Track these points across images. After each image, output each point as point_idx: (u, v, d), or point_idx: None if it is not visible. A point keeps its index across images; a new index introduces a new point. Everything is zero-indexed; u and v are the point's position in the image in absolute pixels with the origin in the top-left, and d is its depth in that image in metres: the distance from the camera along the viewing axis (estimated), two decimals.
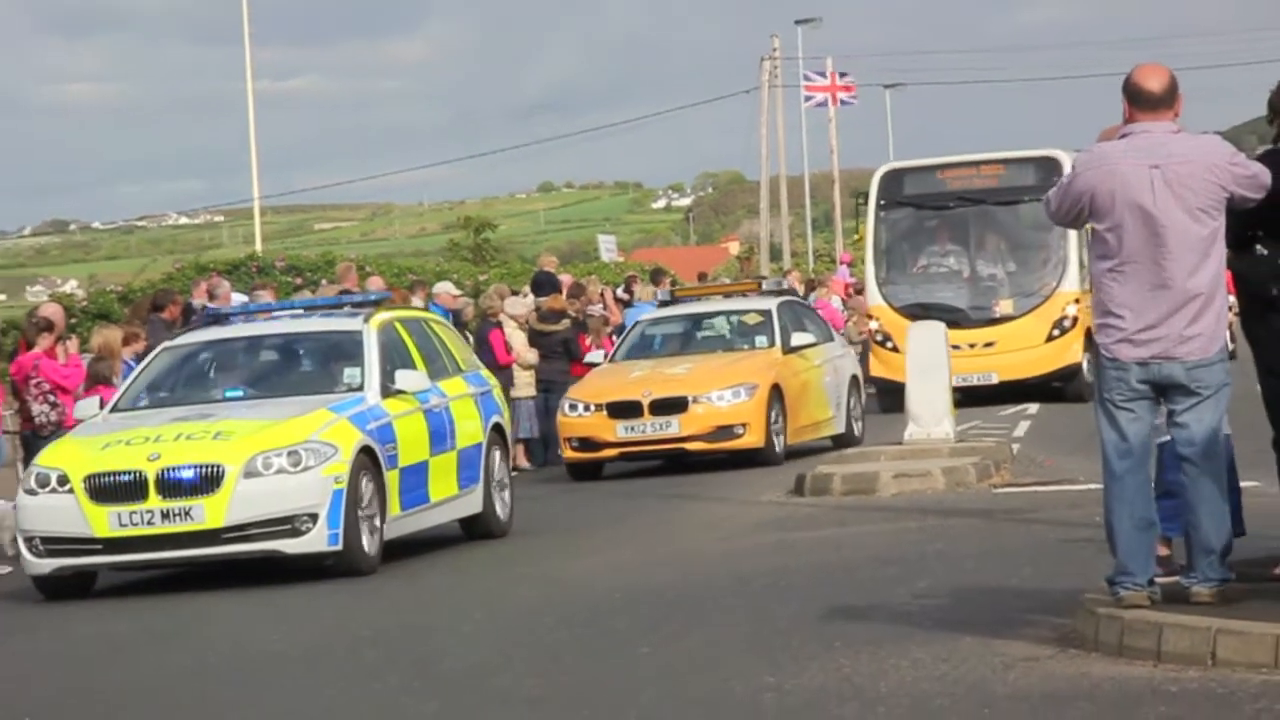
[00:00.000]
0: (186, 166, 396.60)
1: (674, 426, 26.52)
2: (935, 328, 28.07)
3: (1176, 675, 10.57)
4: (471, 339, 29.13)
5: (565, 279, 36.88)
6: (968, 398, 32.84)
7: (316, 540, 17.34)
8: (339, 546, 17.41)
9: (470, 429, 20.17)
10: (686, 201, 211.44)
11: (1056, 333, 35.47)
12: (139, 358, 23.19)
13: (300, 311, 20.89)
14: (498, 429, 20.91)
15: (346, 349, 19.40)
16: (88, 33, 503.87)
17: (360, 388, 18.83)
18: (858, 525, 19.44)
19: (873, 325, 36.91)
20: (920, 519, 19.56)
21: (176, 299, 26.91)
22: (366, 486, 17.86)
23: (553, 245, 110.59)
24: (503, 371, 28.19)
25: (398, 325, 20.14)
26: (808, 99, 71.76)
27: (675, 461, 27.38)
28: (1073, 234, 34.18)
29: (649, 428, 26.60)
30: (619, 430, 26.66)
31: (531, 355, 29.37)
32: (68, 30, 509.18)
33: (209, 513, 17.25)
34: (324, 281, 34.27)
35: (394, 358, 19.37)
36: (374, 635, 14.79)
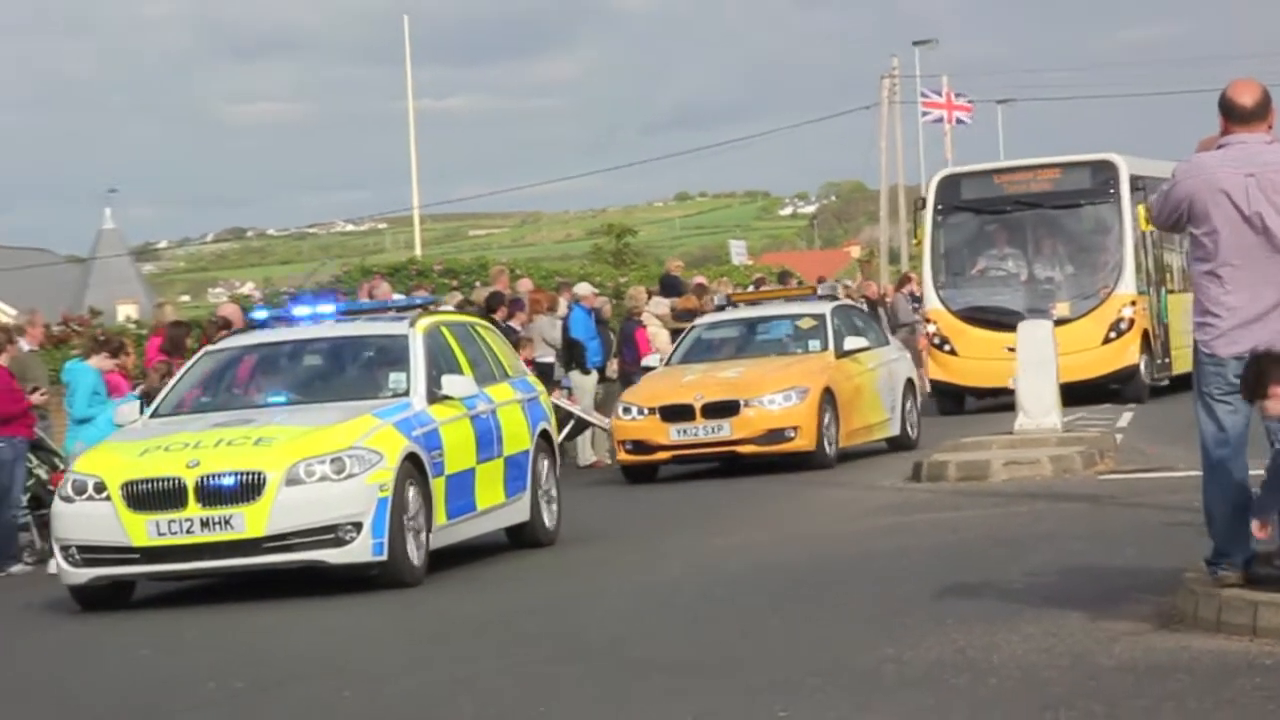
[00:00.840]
0: (353, 178, 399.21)
1: (726, 430, 25.14)
2: (1043, 326, 27.84)
3: (1271, 649, 10.49)
4: (614, 336, 29.28)
5: (697, 280, 36.94)
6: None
7: (361, 550, 15.71)
8: (384, 557, 15.79)
9: (517, 435, 18.50)
10: (811, 209, 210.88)
11: (1113, 335, 33.83)
12: None
13: (345, 315, 18.98)
14: (544, 435, 19.17)
15: (392, 353, 17.80)
16: (265, 58, 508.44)
17: (406, 393, 17.19)
18: (971, 509, 19.36)
19: (930, 329, 35.30)
20: (1029, 503, 19.48)
21: (340, 298, 27.07)
22: (412, 495, 16.22)
23: (687, 250, 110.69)
24: (642, 368, 28.28)
25: (444, 330, 18.43)
26: (925, 115, 71.37)
27: (729, 465, 26.03)
28: (1130, 237, 33.57)
29: (701, 431, 25.21)
30: (672, 433, 25.28)
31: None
32: (247, 55, 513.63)
33: (249, 521, 15.67)
34: (477, 284, 34.39)
35: (440, 362, 17.75)
36: (529, 609, 14.87)
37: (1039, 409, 26.20)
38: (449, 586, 16.33)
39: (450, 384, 17.42)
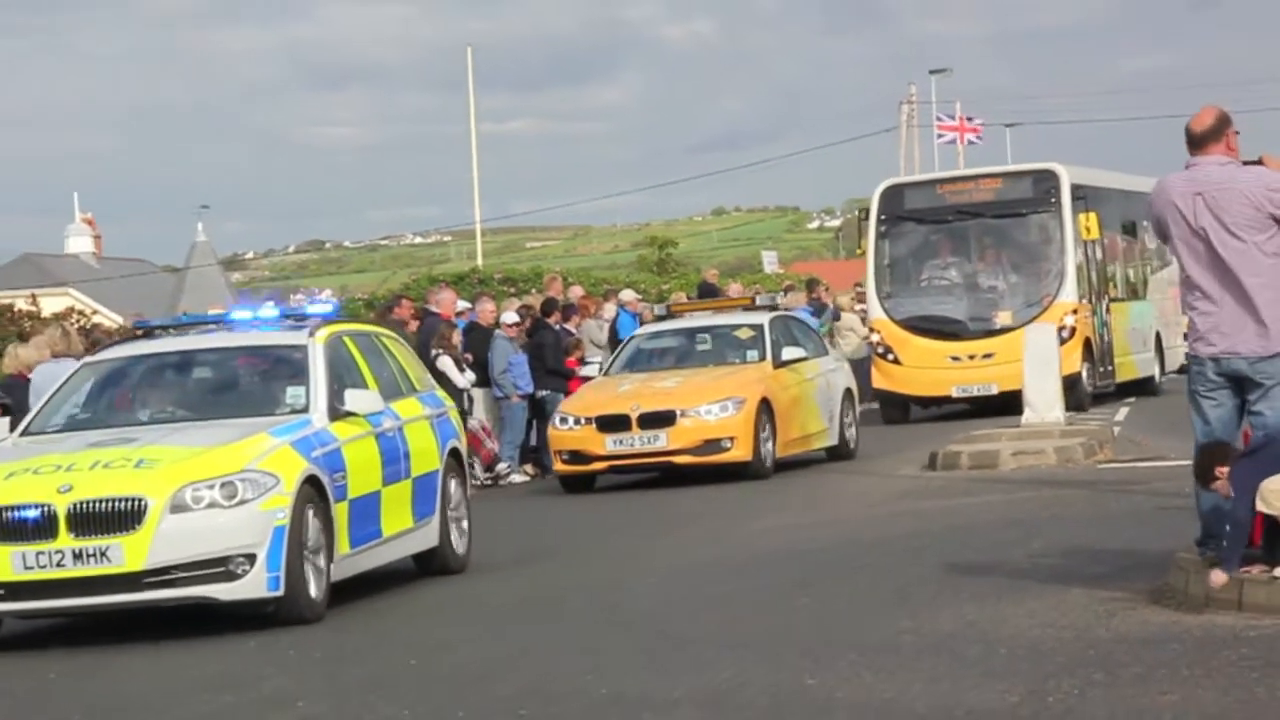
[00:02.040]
0: (421, 195, 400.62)
1: (662, 440, 22.75)
2: (1047, 329, 27.84)
3: (1254, 623, 10.47)
4: None
5: (734, 288, 36.94)
6: (972, 409, 30.78)
7: (254, 585, 12.86)
8: (280, 591, 12.92)
9: (426, 454, 15.57)
10: (836, 222, 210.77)
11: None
12: None
13: (238, 324, 15.76)
14: (454, 454, 16.23)
15: (290, 366, 14.81)
16: (343, 87, 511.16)
17: (305, 409, 14.24)
18: (982, 495, 19.31)
19: (874, 338, 32.12)
20: (1035, 490, 19.42)
21: (404, 301, 27.15)
22: (312, 522, 13.36)
23: (723, 260, 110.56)
24: (581, 377, 28.16)
25: (346, 340, 15.38)
26: (940, 136, 71.25)
27: (666, 475, 23.37)
28: (1071, 246, 31.19)
29: (637, 441, 22.77)
30: (608, 444, 22.86)
31: None
32: (327, 85, 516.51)
33: (128, 553, 12.70)
34: (533, 291, 34.40)
35: (343, 376, 14.85)
36: (573, 586, 14.86)
37: (1043, 404, 26.21)
38: (350, 621, 13.60)
39: (355, 399, 14.57)
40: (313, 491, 13.47)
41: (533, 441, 26.18)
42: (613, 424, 22.85)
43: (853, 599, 12.84)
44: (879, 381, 31.73)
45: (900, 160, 69.74)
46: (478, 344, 25.66)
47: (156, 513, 12.78)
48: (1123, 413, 30.48)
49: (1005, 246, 32.08)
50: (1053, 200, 31.52)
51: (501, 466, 25.24)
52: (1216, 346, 11.22)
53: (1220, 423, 11.34)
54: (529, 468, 26.16)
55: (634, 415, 22.81)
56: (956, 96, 77.50)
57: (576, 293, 30.99)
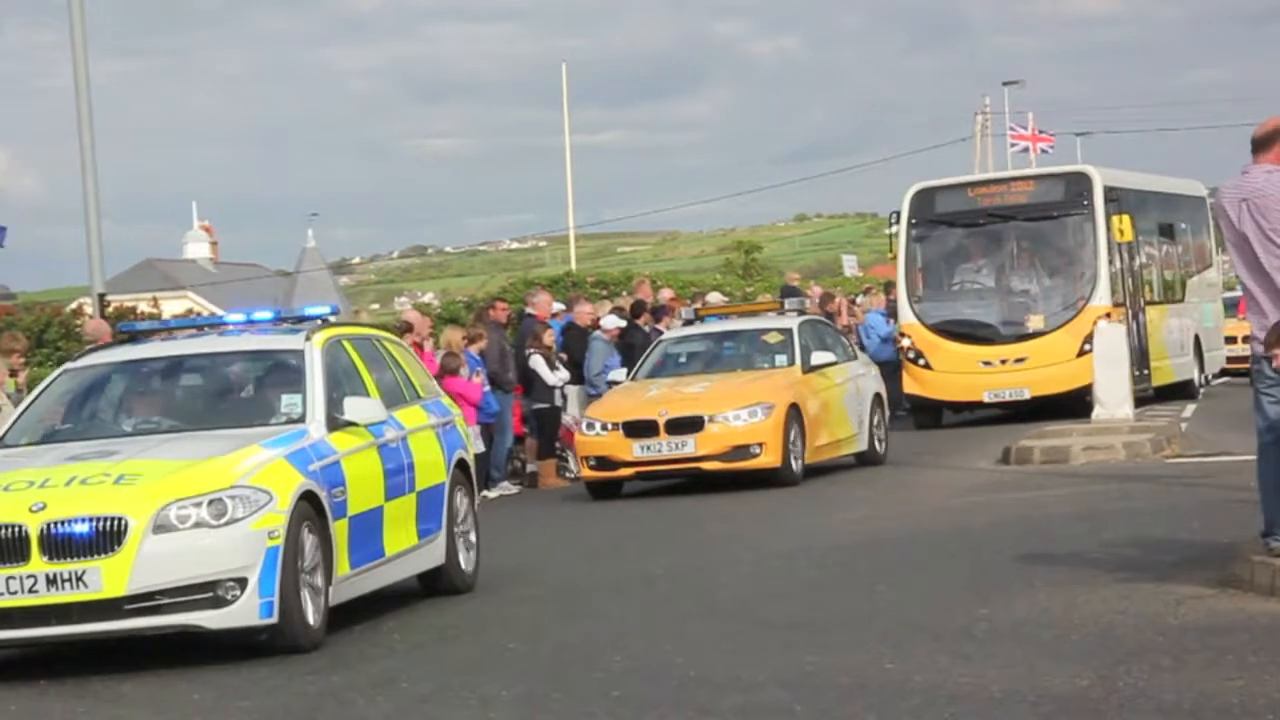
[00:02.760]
0: (518, 202, 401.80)
1: (690, 446, 21.35)
2: (1116, 329, 27.57)
3: None
4: None
5: (815, 290, 36.80)
6: (1005, 415, 29.64)
7: (245, 611, 11.21)
8: (274, 618, 11.30)
9: (432, 467, 13.88)
10: None
11: (1088, 347, 27.97)
12: (481, 354, 23.50)
13: (231, 327, 14.01)
14: (462, 466, 14.52)
15: (285, 372, 13.09)
16: (445, 101, 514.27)
17: (301, 419, 12.54)
18: (1054, 488, 19.22)
19: (905, 343, 30.06)
20: (1105, 483, 19.32)
21: (500, 303, 27.17)
22: (309, 541, 11.72)
23: (805, 264, 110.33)
24: (608, 382, 28.02)
25: (346, 344, 13.64)
26: (1012, 145, 70.88)
27: (694, 481, 22.07)
28: (1103, 248, 29.22)
29: (665, 447, 21.42)
30: (635, 449, 21.47)
31: None
32: (430, 99, 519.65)
33: (107, 578, 11.01)
34: (624, 293, 34.40)
35: (342, 383, 13.14)
36: (665, 572, 14.87)
37: (1113, 401, 26.16)
38: (450, 606, 13.20)
39: (354, 408, 12.85)
40: (309, 508, 11.77)
41: None
42: (640, 429, 21.53)
43: (930, 587, 12.80)
44: (910, 387, 30.04)
45: (975, 168, 69.38)
46: (575, 344, 25.71)
47: (138, 533, 11.09)
48: (1190, 410, 30.24)
49: (1037, 250, 30.37)
50: (1085, 203, 29.75)
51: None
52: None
53: (1279, 419, 11.27)
54: None
55: (662, 421, 21.52)
56: (1029, 107, 76.96)
57: (666, 295, 30.91)
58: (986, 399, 29.06)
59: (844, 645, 10.59)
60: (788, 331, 23.38)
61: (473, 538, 14.56)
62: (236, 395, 13.38)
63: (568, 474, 24.48)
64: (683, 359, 23.86)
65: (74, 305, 35.69)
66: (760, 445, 21.30)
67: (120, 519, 11.17)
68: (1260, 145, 11.31)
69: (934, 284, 30.49)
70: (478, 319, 25.56)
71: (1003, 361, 29.06)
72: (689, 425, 21.40)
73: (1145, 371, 30.71)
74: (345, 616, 12.51)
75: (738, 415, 21.40)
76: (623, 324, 26.71)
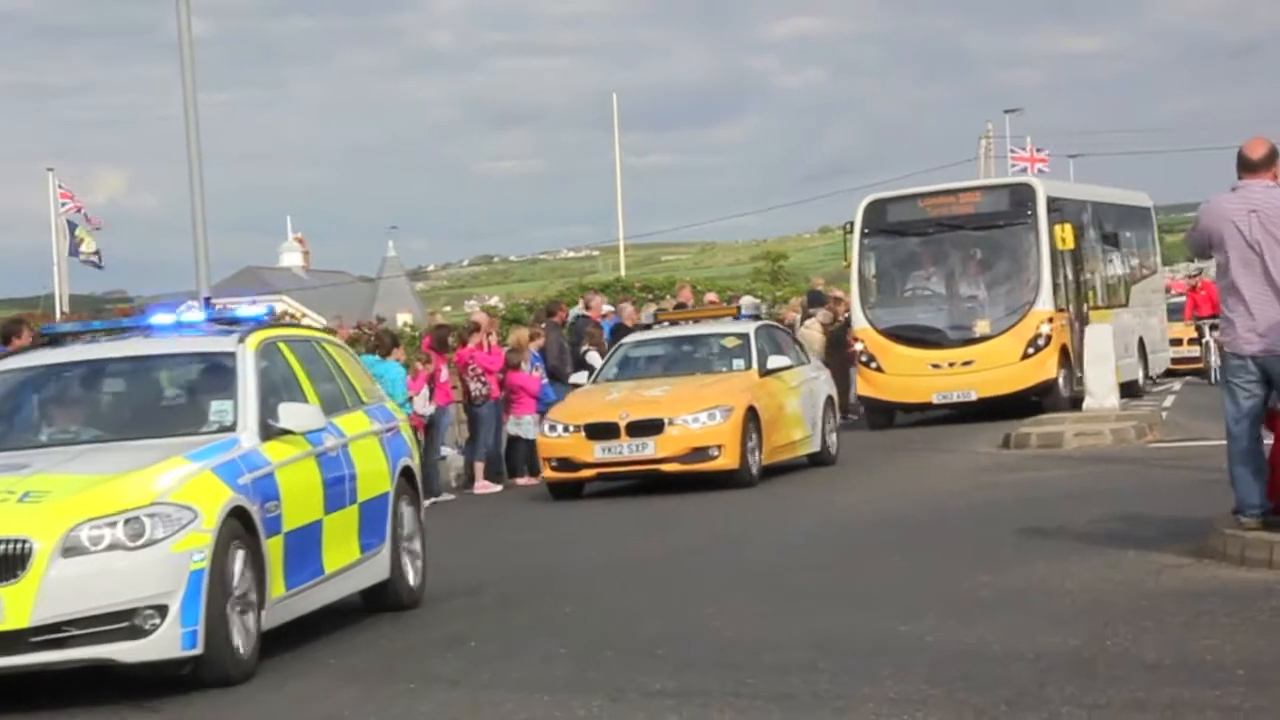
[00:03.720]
0: (574, 216, 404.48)
1: (650, 448, 19.62)
2: (1104, 328, 27.33)
3: None
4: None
5: (836, 293, 36.68)
6: (956, 415, 27.84)
7: (166, 643, 9.06)
8: (198, 649, 9.16)
9: (375, 476, 11.65)
10: None
11: (1031, 350, 26.98)
12: (541, 350, 23.53)
13: (158, 329, 11.59)
14: (407, 474, 12.27)
15: (216, 377, 10.85)
16: (511, 127, 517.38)
17: (232, 427, 10.35)
18: (1049, 470, 19.15)
19: (858, 347, 28.06)
20: (1094, 465, 19.25)
21: (562, 306, 27.21)
22: (238, 563, 9.57)
23: (827, 271, 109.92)
24: (570, 385, 27.79)
25: (283, 347, 11.39)
26: (1013, 166, 70.50)
27: (654, 483, 20.14)
28: (1046, 256, 27.33)
29: (625, 449, 19.68)
30: (597, 451, 19.72)
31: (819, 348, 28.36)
32: (497, 125, 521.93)
33: (9, 608, 8.91)
34: (667, 296, 34.33)
35: (278, 388, 10.93)
36: (700, 546, 14.84)
37: (1101, 392, 26.07)
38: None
39: (290, 414, 10.61)
40: (239, 526, 9.64)
41: None
42: (601, 432, 19.77)
43: (939, 558, 12.76)
44: (863, 389, 28.24)
45: None
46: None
47: (44, 557, 8.97)
48: (1170, 400, 30.09)
49: (984, 258, 28.40)
50: (1029, 213, 27.74)
51: None
52: (1255, 346, 11.07)
53: (1250, 409, 11.23)
54: None
55: (622, 423, 19.72)
56: (1027, 132, 76.44)
57: (710, 297, 30.78)
58: (936, 400, 27.35)
59: (862, 610, 10.56)
60: (745, 337, 21.78)
61: (418, 549, 12.31)
62: (163, 402, 11.08)
63: None
64: (643, 362, 22.13)
65: (183, 308, 35.82)
66: (719, 447, 19.64)
67: (24, 541, 8.99)
68: (1259, 165, 11.18)
69: (886, 291, 28.66)
70: (538, 320, 25.61)
71: (950, 364, 27.24)
72: (649, 428, 19.69)
73: None
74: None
75: (697, 418, 19.74)
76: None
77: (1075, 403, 26.89)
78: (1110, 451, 20.98)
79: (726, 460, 19.66)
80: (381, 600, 11.86)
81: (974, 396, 26.96)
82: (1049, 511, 14.81)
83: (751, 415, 20.06)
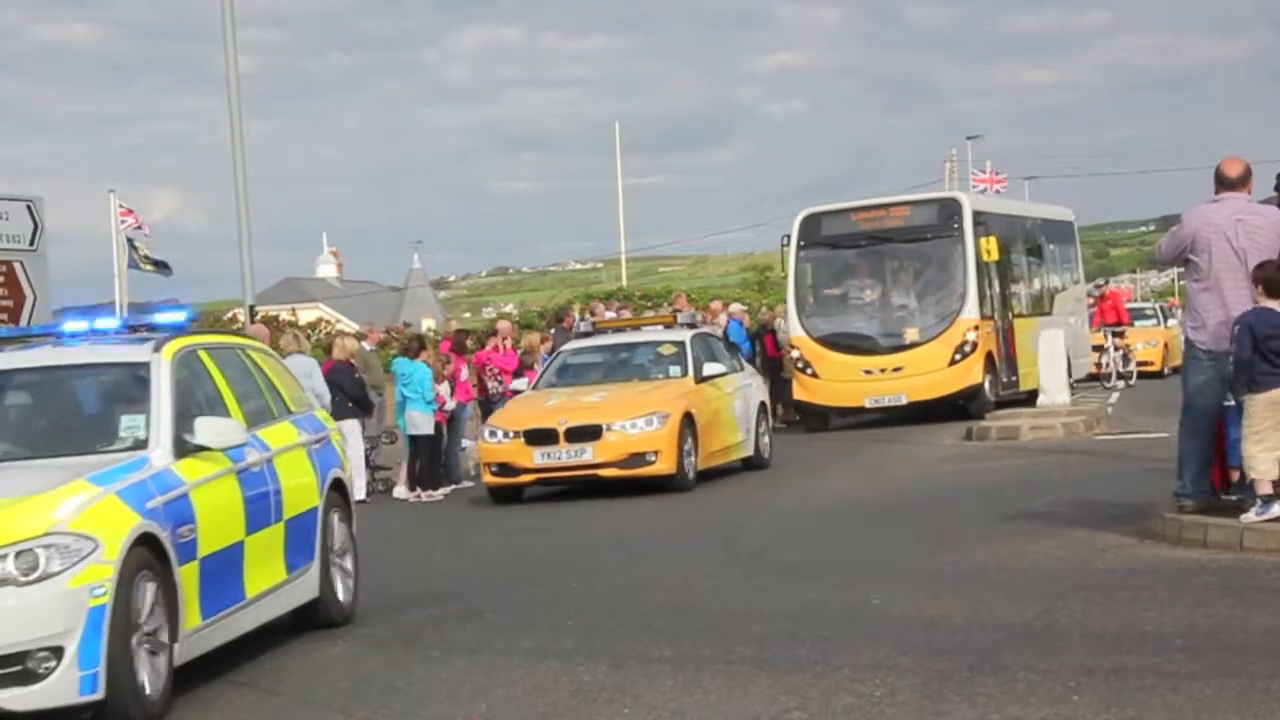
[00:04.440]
0: (581, 231, 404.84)
1: (588, 454, 18.10)
2: (1057, 335, 27.23)
3: (1216, 557, 10.37)
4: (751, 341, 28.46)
5: None
6: (889, 417, 26.79)
7: (62, 687, 7.35)
8: (98, 694, 7.45)
9: (303, 490, 10.01)
10: None
11: (958, 357, 25.81)
12: (549, 352, 23.53)
13: (69, 337, 9.79)
14: (338, 486, 10.61)
15: (128, 389, 9.08)
16: (523, 151, 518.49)
17: (144, 444, 8.63)
18: (1007, 459, 19.14)
19: (794, 354, 26.74)
20: (1047, 456, 19.23)
21: (569, 312, 27.24)
22: (146, 594, 7.84)
23: None
24: (773, 361, 27.89)
25: (203, 355, 9.68)
26: (974, 188, 70.49)
27: (591, 488, 18.50)
28: (972, 267, 26.15)
29: (564, 455, 18.13)
30: (536, 457, 18.18)
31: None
32: (510, 149, 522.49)
33: None
34: (664, 304, 34.30)
35: (197, 400, 9.24)
36: (700, 525, 14.84)
37: (1054, 390, 26.06)
38: (525, 550, 10.93)
39: (208, 429, 8.87)
40: (148, 554, 7.89)
41: None
42: (540, 437, 18.21)
43: (908, 538, 12.74)
44: (799, 394, 26.83)
45: None
46: None
47: None
48: (1114, 397, 30.07)
49: (913, 269, 27.28)
50: (956, 226, 26.49)
51: None
52: (1224, 344, 10.99)
53: (1215, 403, 11.18)
54: None
55: (561, 429, 18.18)
56: (987, 156, 76.33)
57: (716, 307, 30.57)
58: (868, 404, 26.17)
59: (838, 585, 10.55)
60: (681, 344, 20.24)
61: (350, 565, 10.68)
62: (70, 418, 9.30)
63: None
64: (583, 369, 20.41)
65: (229, 315, 35.88)
66: (656, 453, 18.14)
67: None
68: (1238, 182, 11.19)
69: (820, 300, 27.35)
70: (549, 325, 25.66)
71: (882, 370, 25.97)
72: (587, 434, 18.17)
73: (1014, 377, 27.69)
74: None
75: (634, 424, 18.19)
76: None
77: (1001, 405, 26.13)
78: (1062, 443, 20.96)
79: (663, 465, 18.21)
80: (311, 619, 10.20)
81: (904, 400, 25.95)
82: (1007, 497, 14.80)
83: (688, 421, 18.64)
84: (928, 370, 25.76)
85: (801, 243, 27.29)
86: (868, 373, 25.89)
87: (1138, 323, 38.04)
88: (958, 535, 12.44)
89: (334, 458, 10.75)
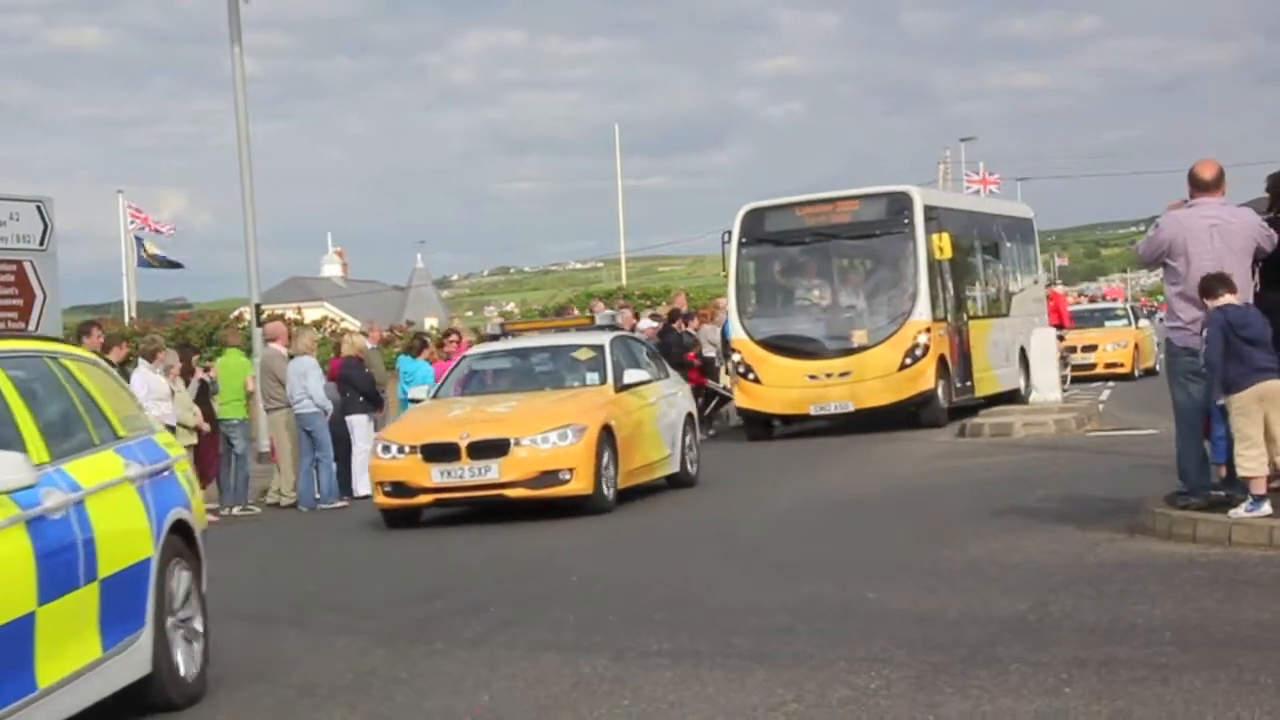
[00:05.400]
0: (582, 231, 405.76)
1: (493, 471, 15.65)
2: (1048, 332, 27.23)
3: (1205, 551, 10.37)
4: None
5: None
6: (831, 426, 24.68)
7: None
8: None
9: (128, 538, 7.36)
10: None
11: (909, 361, 23.94)
12: None
13: None
14: (181, 530, 8.01)
15: None
16: (526, 153, 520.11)
17: None
18: (1000, 455, 19.14)
19: (735, 358, 24.85)
20: (1040, 452, 19.23)
21: (571, 309, 27.25)
22: None
23: None
24: (409, 400, 27.53)
25: None
26: (968, 188, 70.50)
27: (495, 509, 16.09)
28: (924, 266, 24.22)
29: (466, 472, 15.68)
30: (434, 475, 15.74)
31: None
32: (514, 151, 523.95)
33: None
34: (663, 303, 34.28)
35: None
36: (698, 522, 14.83)
37: (1046, 388, 26.06)
38: (521, 550, 10.89)
39: None
40: None
41: None
42: (440, 453, 15.78)
43: (903, 532, 12.75)
44: (741, 400, 24.84)
45: None
46: None
47: None
48: (1106, 394, 30.07)
49: (861, 267, 25.41)
50: (906, 222, 24.51)
51: None
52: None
53: (1200, 400, 11.21)
54: None
55: (463, 444, 15.77)
56: (981, 158, 76.39)
57: (721, 303, 30.50)
58: (813, 412, 24.16)
59: (835, 579, 10.55)
60: (599, 348, 17.82)
61: (198, 626, 8.13)
62: None
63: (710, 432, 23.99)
64: (489, 377, 18.03)
65: (235, 313, 35.95)
66: (570, 471, 15.74)
67: None
68: (1212, 185, 11.17)
69: (763, 300, 25.36)
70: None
71: (828, 375, 24.03)
72: (493, 449, 15.75)
73: (969, 382, 25.80)
74: None
75: (546, 438, 15.78)
76: (657, 325, 26.67)
77: (955, 413, 24.35)
78: (1054, 440, 20.96)
79: (579, 484, 15.79)
80: (143, 700, 7.60)
81: (851, 408, 24.01)
82: (1000, 493, 14.80)
83: (606, 434, 16.25)
84: (876, 375, 23.92)
85: (743, 239, 25.29)
86: (813, 377, 23.98)
87: (1107, 323, 37.55)
88: (952, 531, 12.44)
89: (177, 494, 8.16)
